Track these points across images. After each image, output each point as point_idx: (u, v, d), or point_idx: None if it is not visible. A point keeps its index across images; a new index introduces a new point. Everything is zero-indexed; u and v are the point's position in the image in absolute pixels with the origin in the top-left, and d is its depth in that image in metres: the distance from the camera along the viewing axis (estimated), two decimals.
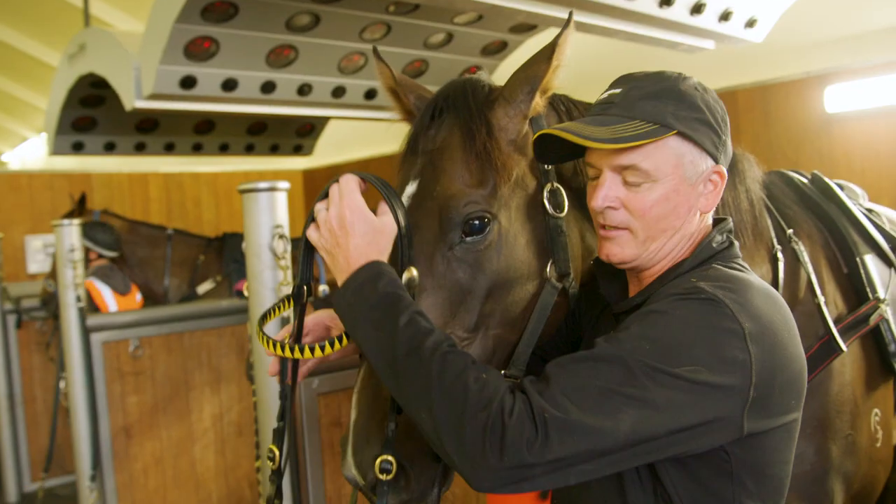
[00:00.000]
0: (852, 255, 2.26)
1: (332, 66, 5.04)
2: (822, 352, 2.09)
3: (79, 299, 4.47)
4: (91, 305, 5.40)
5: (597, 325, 1.73)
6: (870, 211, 2.52)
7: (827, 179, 2.44)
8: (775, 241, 2.12)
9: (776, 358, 1.33)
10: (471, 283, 1.54)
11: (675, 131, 1.41)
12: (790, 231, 2.18)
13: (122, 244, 5.94)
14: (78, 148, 6.24)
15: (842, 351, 2.09)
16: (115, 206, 8.02)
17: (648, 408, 1.22)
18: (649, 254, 1.47)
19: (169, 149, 6.77)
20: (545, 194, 1.62)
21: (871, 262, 2.29)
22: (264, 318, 1.68)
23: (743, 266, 1.49)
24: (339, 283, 1.41)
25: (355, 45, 4.88)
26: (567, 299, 1.66)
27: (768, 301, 1.40)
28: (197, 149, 6.91)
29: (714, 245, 1.49)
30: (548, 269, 1.61)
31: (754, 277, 1.45)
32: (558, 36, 1.59)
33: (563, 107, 1.78)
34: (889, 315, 2.24)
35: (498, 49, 5.54)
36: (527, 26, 5.17)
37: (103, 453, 4.58)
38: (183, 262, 6.35)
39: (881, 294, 2.23)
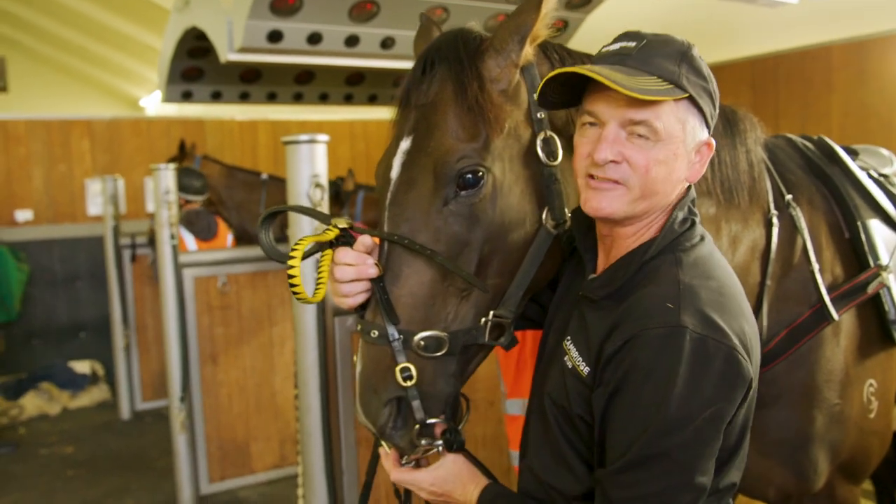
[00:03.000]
0: (854, 220, 2.23)
1: (414, 20, 5.15)
2: (813, 319, 2.10)
3: (172, 237, 4.87)
4: None
5: (568, 290, 1.72)
6: (884, 177, 2.46)
7: (832, 143, 2.40)
8: (772, 205, 2.12)
9: (756, 338, 1.44)
10: (468, 236, 1.57)
11: (687, 95, 1.40)
12: (789, 196, 2.17)
13: (210, 189, 6.27)
14: (187, 97, 6.63)
15: (833, 319, 2.09)
16: (225, 152, 8.52)
17: (693, 485, 1.31)
18: (636, 213, 1.45)
19: (271, 98, 7.08)
20: (538, 143, 1.62)
21: (875, 226, 2.25)
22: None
23: (702, 238, 1.50)
24: None
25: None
26: (561, 247, 1.69)
27: (728, 275, 1.47)
28: (298, 98, 7.19)
29: (676, 227, 1.46)
30: (544, 217, 1.63)
31: (707, 248, 1.49)
32: None
33: (557, 55, 1.76)
34: (891, 282, 2.21)
35: (583, 2, 5.51)
36: None
37: (192, 378, 5.02)
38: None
39: (884, 261, 2.19)
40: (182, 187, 6.01)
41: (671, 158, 1.41)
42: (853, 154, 2.54)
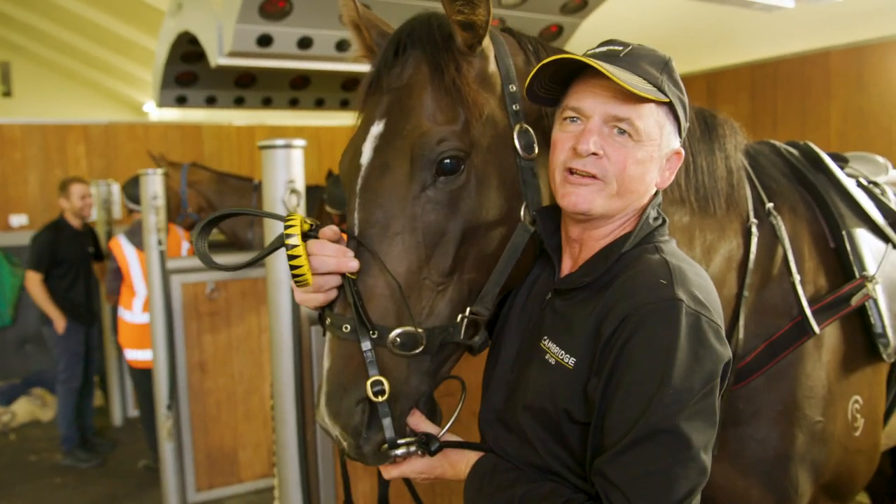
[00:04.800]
0: (839, 229, 2.15)
1: None
2: (793, 333, 2.02)
3: (160, 242, 4.81)
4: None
5: (531, 294, 1.66)
6: (874, 184, 2.37)
7: (818, 150, 2.32)
8: (752, 213, 2.05)
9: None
10: (445, 225, 1.51)
11: (668, 100, 1.42)
12: (770, 204, 2.09)
13: (199, 196, 6.19)
14: (181, 101, 6.58)
15: (814, 333, 2.01)
16: (223, 157, 8.49)
17: (698, 460, 1.27)
18: (611, 212, 1.43)
19: (266, 103, 7.04)
20: (515, 135, 1.58)
21: (861, 236, 2.17)
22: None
23: (668, 239, 1.50)
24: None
25: (428, 3, 4.93)
26: (536, 243, 1.63)
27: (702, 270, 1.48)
28: (293, 103, 7.15)
29: (651, 222, 1.47)
30: (521, 212, 1.58)
31: (675, 244, 1.51)
32: None
33: (531, 47, 1.73)
34: (878, 294, 2.13)
35: (578, 7, 5.44)
36: None
37: (179, 385, 4.96)
38: None
39: (870, 271, 2.12)
40: (129, 197, 5.84)
41: (647, 160, 1.42)
42: (842, 161, 2.47)
